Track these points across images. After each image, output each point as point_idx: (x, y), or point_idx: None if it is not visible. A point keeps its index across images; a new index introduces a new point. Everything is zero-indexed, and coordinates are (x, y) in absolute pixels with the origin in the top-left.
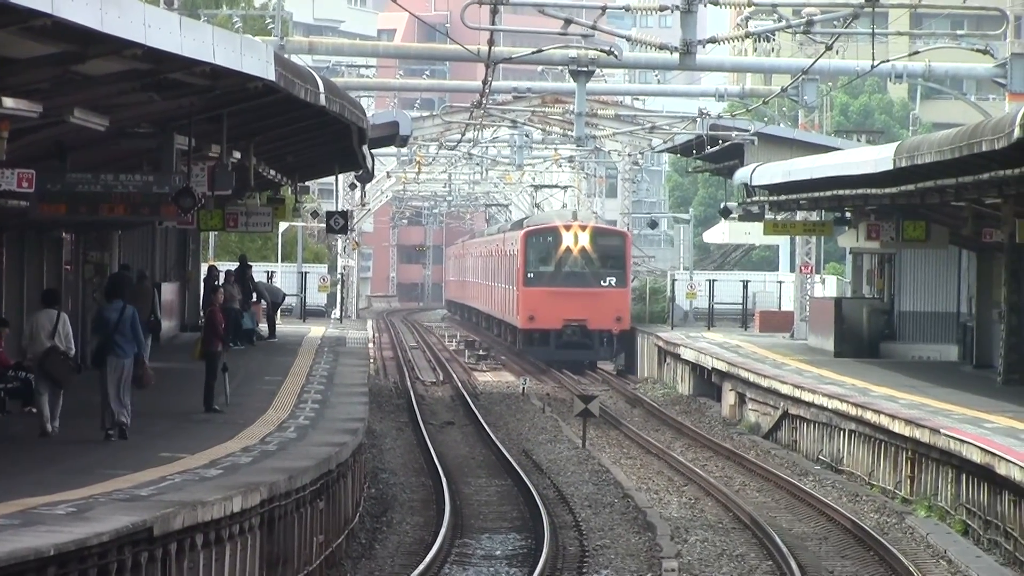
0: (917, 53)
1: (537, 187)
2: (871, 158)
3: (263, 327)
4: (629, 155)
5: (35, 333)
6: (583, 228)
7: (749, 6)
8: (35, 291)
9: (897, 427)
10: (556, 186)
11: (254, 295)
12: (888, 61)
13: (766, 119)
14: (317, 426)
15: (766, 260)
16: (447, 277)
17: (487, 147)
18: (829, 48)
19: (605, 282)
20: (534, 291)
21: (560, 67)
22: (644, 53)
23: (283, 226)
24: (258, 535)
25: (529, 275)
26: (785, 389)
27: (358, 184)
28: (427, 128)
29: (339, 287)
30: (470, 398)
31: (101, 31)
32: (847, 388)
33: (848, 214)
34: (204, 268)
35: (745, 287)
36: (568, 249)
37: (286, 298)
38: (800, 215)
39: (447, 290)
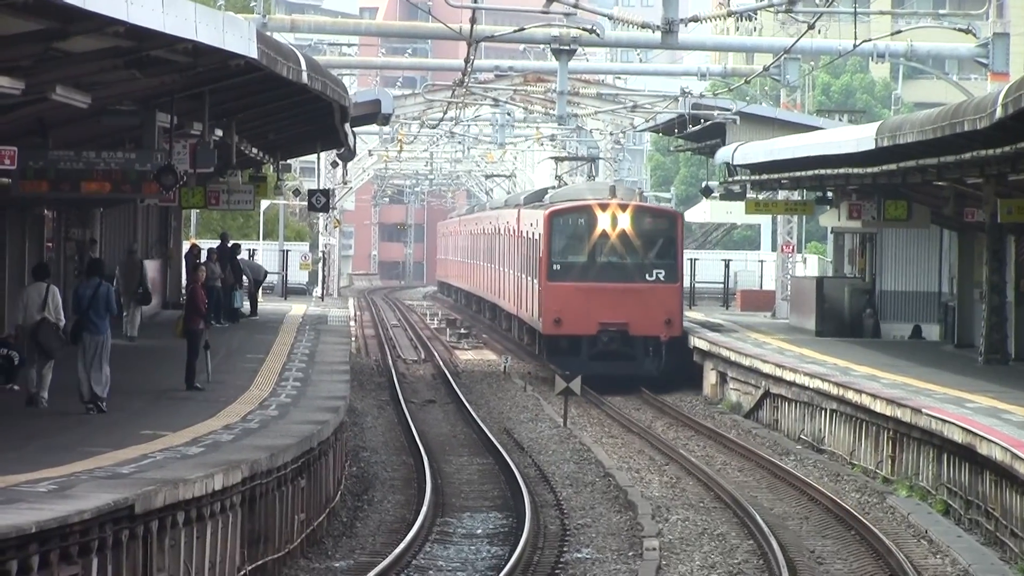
0: (899, 33)
1: (559, 159)
2: (853, 138)
3: (245, 305)
4: (611, 134)
5: (27, 306)
6: (623, 207)
7: None
8: (16, 268)
9: (878, 407)
10: (581, 158)
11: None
12: (870, 41)
13: (748, 98)
14: (298, 404)
15: (748, 239)
16: (439, 255)
17: (469, 126)
18: (811, 27)
19: (651, 276)
20: (561, 287)
21: (542, 46)
22: (626, 32)
23: (265, 204)
24: (239, 513)
25: (555, 266)
26: (767, 368)
27: (340, 162)
28: (409, 106)
29: (320, 265)
30: (451, 376)
31: (83, 8)
32: (828, 367)
33: (830, 194)
34: (186, 245)
35: (727, 266)
36: (605, 234)
37: (268, 276)
38: (782, 194)
39: (439, 269)
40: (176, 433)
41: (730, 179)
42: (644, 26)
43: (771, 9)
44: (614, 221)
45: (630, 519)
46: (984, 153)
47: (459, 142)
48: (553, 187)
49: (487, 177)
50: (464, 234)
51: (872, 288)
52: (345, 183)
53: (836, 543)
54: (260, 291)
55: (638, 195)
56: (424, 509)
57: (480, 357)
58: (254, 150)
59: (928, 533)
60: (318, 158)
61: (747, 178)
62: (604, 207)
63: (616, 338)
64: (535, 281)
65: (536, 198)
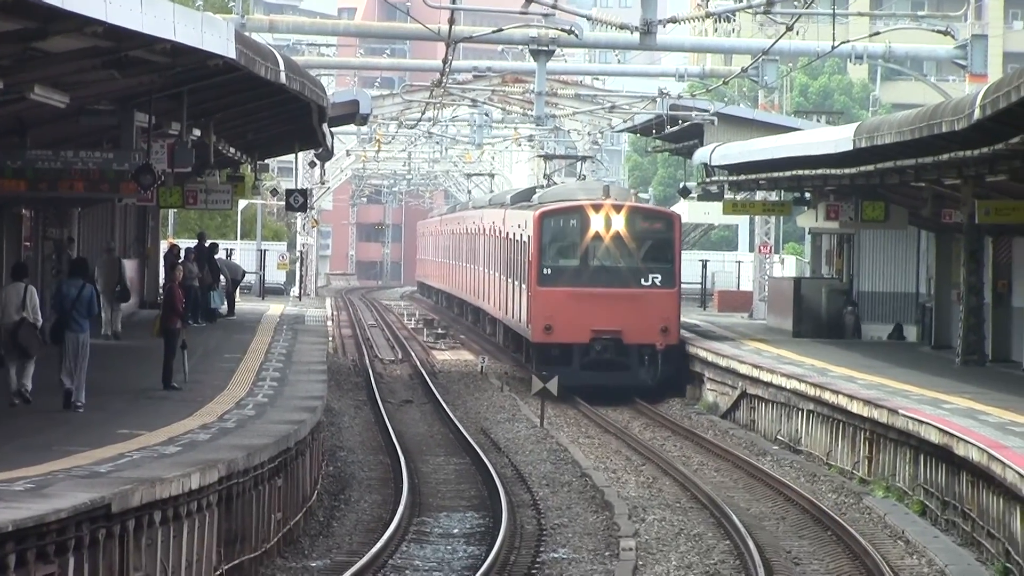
0: (877, 34)
1: (548, 157)
2: (831, 139)
3: (223, 305)
4: (589, 134)
5: (5, 306)
6: (618, 208)
7: None
8: None
9: (855, 407)
10: (573, 156)
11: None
12: (848, 42)
13: (726, 99)
14: (275, 404)
15: (725, 240)
16: (418, 255)
17: (447, 126)
18: (790, 29)
19: (647, 281)
20: (552, 292)
21: (520, 46)
22: (604, 33)
23: (242, 204)
24: (216, 512)
25: (545, 270)
26: (744, 369)
27: (318, 162)
28: (387, 107)
29: (298, 265)
30: (428, 376)
31: (62, 8)
32: (806, 368)
33: (807, 194)
34: (164, 245)
35: (704, 267)
36: (598, 236)
37: (245, 275)
38: (759, 195)
39: (419, 269)
40: (153, 432)
41: (708, 180)
42: (622, 27)
43: (749, 10)
44: (608, 222)
45: (607, 519)
46: (962, 154)
47: (437, 142)
48: (541, 186)
49: (468, 176)
50: (446, 234)
51: (850, 288)
52: (323, 183)
53: (813, 543)
54: (238, 291)
55: (633, 195)
56: (401, 509)
57: (457, 357)
58: (232, 150)
59: (905, 534)
60: (296, 158)
61: (725, 179)
62: (597, 208)
63: (610, 346)
64: (524, 286)
65: (524, 198)
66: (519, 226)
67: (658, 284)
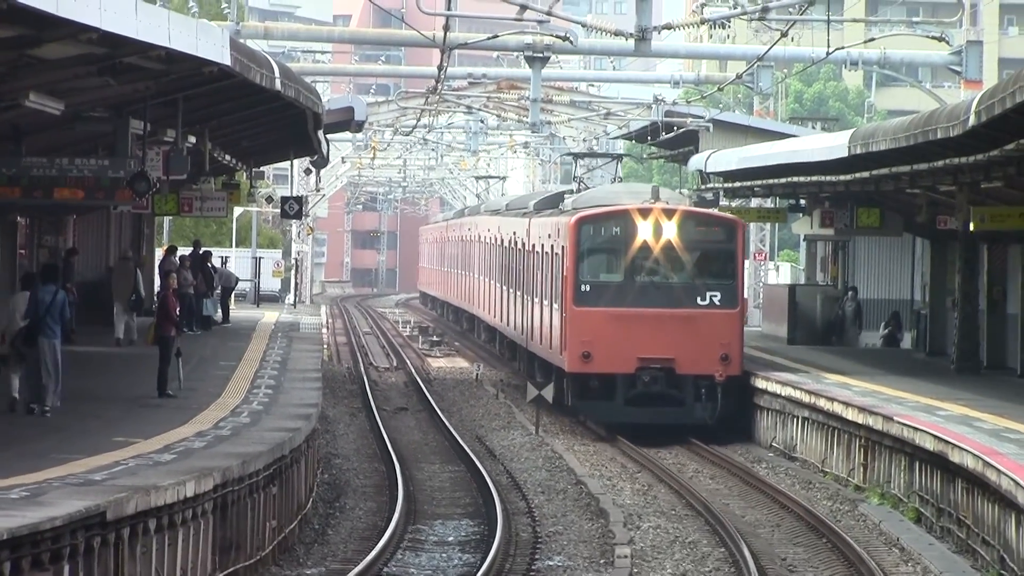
0: (873, 40)
1: (577, 155)
2: (826, 145)
3: (217, 313)
4: (584, 141)
5: (12, 313)
6: (669, 213)
7: None
8: None
9: (850, 414)
10: (606, 155)
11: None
12: (843, 48)
13: (721, 106)
14: (270, 411)
15: None
16: (420, 263)
17: (442, 133)
18: (784, 35)
19: (704, 299)
20: (591, 314)
21: (515, 53)
22: (599, 39)
23: (238, 211)
24: (211, 520)
25: (583, 287)
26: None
27: (313, 169)
28: (382, 114)
29: (293, 272)
30: (423, 384)
31: (57, 15)
32: (800, 375)
33: (802, 201)
34: (159, 253)
35: None
36: (646, 246)
37: (239, 283)
38: (755, 202)
39: (421, 278)
40: (148, 440)
41: (703, 186)
42: (617, 34)
43: (744, 17)
44: (658, 230)
45: (602, 527)
46: (957, 161)
47: (432, 149)
48: (571, 191)
49: (477, 179)
50: (452, 241)
51: (842, 295)
52: (318, 190)
53: (808, 551)
54: (232, 298)
55: (688, 199)
56: (396, 516)
57: (452, 364)
58: (227, 157)
59: (900, 541)
60: (291, 165)
61: (720, 185)
62: (645, 213)
63: (660, 378)
64: (556, 305)
65: (551, 204)
66: (549, 235)
67: (717, 304)
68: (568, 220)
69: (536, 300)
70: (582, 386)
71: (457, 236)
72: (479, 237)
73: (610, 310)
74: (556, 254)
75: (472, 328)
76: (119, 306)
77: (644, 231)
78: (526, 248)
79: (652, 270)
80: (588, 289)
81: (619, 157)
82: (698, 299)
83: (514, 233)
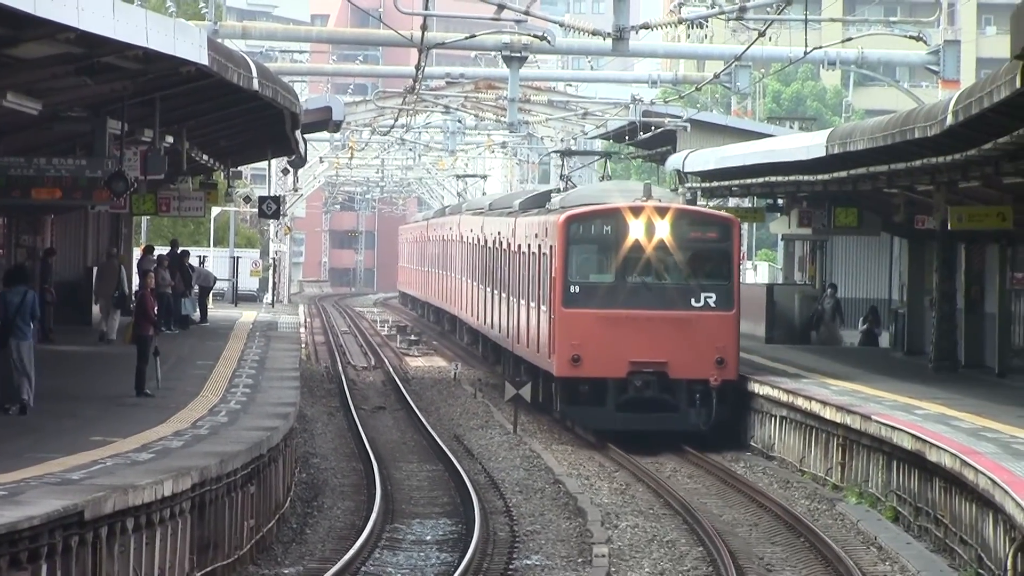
0: (850, 40)
1: (564, 153)
2: (803, 145)
3: (195, 312)
4: (562, 141)
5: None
6: (662, 211)
7: None
8: None
9: (828, 413)
10: (594, 152)
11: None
12: (821, 48)
13: (699, 106)
14: (248, 410)
15: None
16: (400, 263)
17: (420, 133)
18: (762, 35)
19: (699, 301)
20: (581, 316)
21: (493, 53)
22: (577, 39)
23: (215, 211)
24: (189, 519)
25: (572, 288)
26: None
27: (291, 169)
28: (360, 113)
29: (271, 272)
30: (401, 383)
31: (34, 15)
32: (778, 374)
33: (780, 201)
34: (136, 252)
35: None
36: (638, 246)
37: (217, 282)
38: (732, 201)
39: (401, 277)
40: (126, 439)
41: (680, 186)
42: (595, 33)
43: (722, 17)
44: (650, 229)
45: (579, 526)
46: (935, 160)
47: (410, 149)
48: (557, 190)
49: (458, 177)
50: (434, 241)
51: (820, 292)
52: (296, 190)
53: (786, 550)
54: (211, 298)
55: (681, 197)
56: (374, 515)
57: (430, 364)
58: (205, 157)
59: (877, 540)
60: (269, 165)
61: (697, 185)
62: (637, 211)
63: (652, 383)
64: (544, 307)
65: (537, 203)
66: (536, 235)
67: (712, 305)
68: (556, 219)
69: (523, 302)
70: (571, 391)
71: (438, 235)
72: (461, 237)
73: (600, 312)
74: (544, 254)
75: (454, 330)
76: (104, 303)
77: (636, 230)
78: (512, 248)
79: (644, 270)
80: (578, 290)
81: (607, 155)
82: (692, 301)
83: (499, 233)
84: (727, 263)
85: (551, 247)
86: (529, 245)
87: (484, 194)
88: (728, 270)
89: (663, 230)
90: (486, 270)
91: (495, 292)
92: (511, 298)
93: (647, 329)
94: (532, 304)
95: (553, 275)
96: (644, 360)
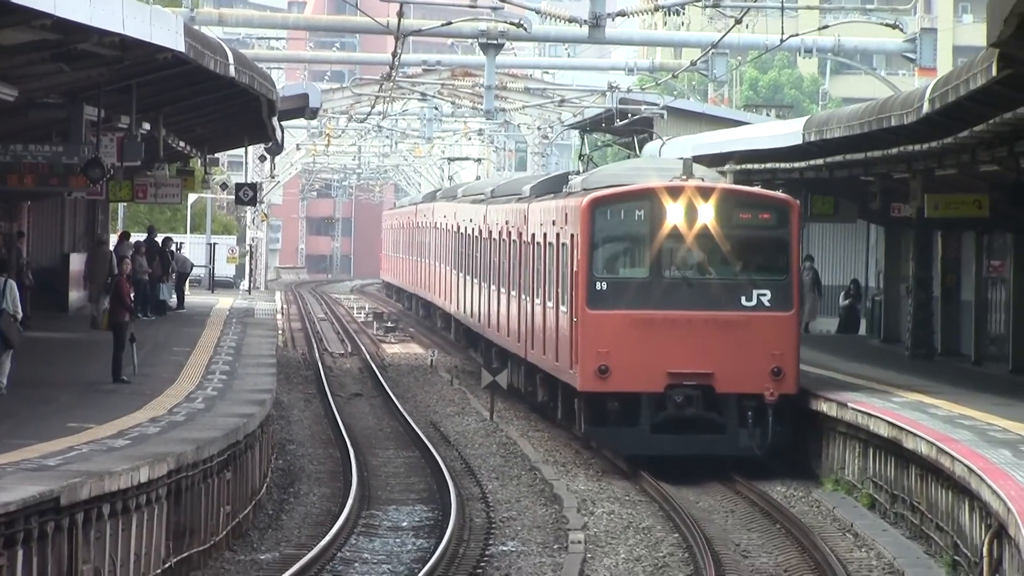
0: (827, 28)
1: (583, 129)
2: (780, 133)
3: (172, 298)
4: (539, 128)
5: None
6: (705, 193)
7: None
8: None
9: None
10: (612, 130)
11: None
12: (798, 35)
13: (676, 93)
14: (225, 397)
15: None
16: (384, 251)
17: (397, 120)
18: (739, 22)
19: (751, 299)
20: (609, 318)
21: (470, 40)
22: (554, 26)
23: (192, 197)
24: (165, 505)
25: (598, 285)
26: None
27: (267, 156)
28: (337, 100)
29: (248, 259)
30: (378, 370)
31: (10, 1)
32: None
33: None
34: (113, 239)
35: None
36: (677, 234)
37: (193, 268)
38: None
39: (385, 266)
40: (102, 426)
41: None
42: (571, 21)
43: (698, 4)
44: (692, 214)
45: (556, 512)
46: (911, 148)
47: (387, 136)
48: (576, 172)
49: (450, 161)
50: (424, 228)
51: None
52: (273, 177)
53: (762, 536)
54: (187, 284)
55: (726, 175)
56: (350, 502)
57: (407, 350)
58: (182, 144)
59: (854, 527)
60: (246, 152)
61: None
62: (676, 192)
63: (695, 398)
64: (563, 308)
65: (552, 187)
66: (553, 223)
67: (767, 305)
68: (579, 202)
69: (537, 302)
70: (597, 409)
71: (429, 223)
72: (457, 227)
73: (632, 313)
74: (563, 244)
75: (447, 326)
76: (95, 289)
77: (674, 215)
78: (523, 239)
79: (685, 263)
80: (605, 288)
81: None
82: (743, 299)
83: (506, 222)
84: (785, 254)
85: (572, 236)
86: (545, 235)
87: (478, 179)
88: (786, 262)
89: (707, 215)
90: (490, 265)
91: (502, 290)
92: (523, 297)
93: (688, 334)
94: (549, 304)
95: (575, 270)
96: (685, 371)
